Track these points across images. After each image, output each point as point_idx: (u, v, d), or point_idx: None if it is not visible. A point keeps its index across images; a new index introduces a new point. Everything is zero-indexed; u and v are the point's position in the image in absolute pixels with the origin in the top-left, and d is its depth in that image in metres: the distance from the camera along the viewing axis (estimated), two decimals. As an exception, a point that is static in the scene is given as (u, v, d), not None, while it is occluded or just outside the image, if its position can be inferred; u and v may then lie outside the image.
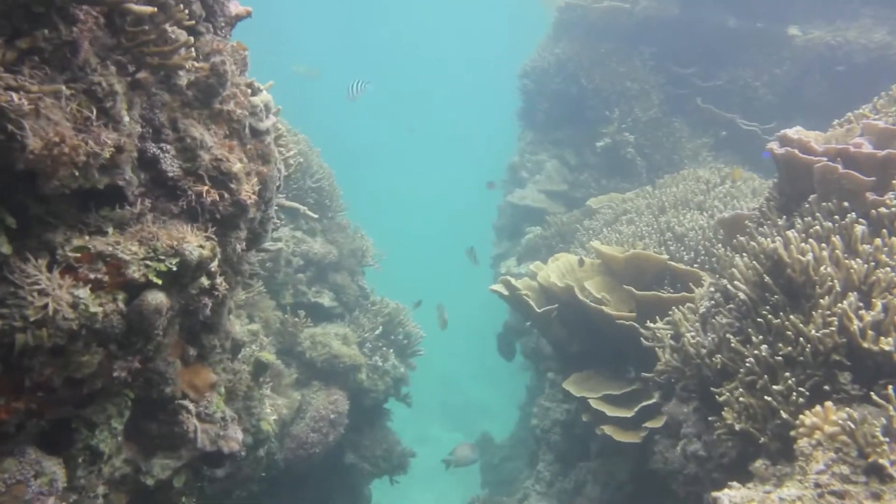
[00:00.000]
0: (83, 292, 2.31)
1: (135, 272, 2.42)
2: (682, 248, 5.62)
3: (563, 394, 6.73)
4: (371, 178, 31.81)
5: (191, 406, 3.37)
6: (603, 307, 5.29)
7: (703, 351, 3.88)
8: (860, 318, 3.16)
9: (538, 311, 5.78)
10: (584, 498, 6.21)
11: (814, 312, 3.32)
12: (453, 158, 38.08)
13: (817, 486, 2.84)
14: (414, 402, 7.98)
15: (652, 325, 4.69)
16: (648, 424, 4.88)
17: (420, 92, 41.20)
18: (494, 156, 14.14)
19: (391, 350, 7.47)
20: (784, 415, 3.22)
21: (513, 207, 10.24)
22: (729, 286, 3.86)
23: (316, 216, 4.87)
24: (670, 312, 4.51)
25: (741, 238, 4.04)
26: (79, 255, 2.34)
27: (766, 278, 3.60)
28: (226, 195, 2.79)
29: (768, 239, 3.74)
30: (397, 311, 7.71)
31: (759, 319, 3.57)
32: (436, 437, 20.26)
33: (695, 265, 5.38)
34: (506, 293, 6.15)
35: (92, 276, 2.35)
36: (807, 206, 3.88)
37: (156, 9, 2.34)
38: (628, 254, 5.50)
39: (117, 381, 2.60)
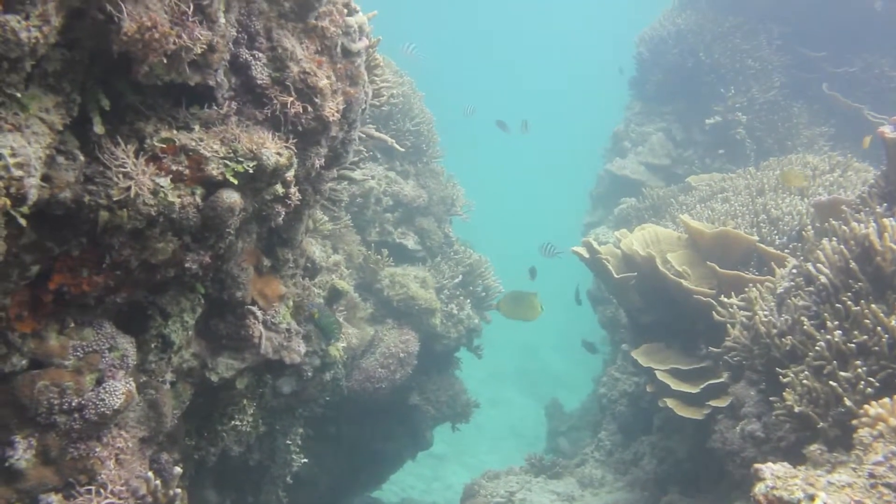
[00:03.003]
0: (164, 181, 2.45)
1: (213, 169, 2.54)
2: (776, 231, 5.40)
3: (633, 366, 6.66)
4: (473, 131, 31.85)
5: (258, 313, 3.53)
6: (682, 280, 5.17)
7: (774, 331, 3.76)
8: (946, 314, 2.99)
9: (616, 276, 5.70)
10: (640, 469, 6.16)
11: (897, 303, 3.16)
12: (560, 123, 37.61)
13: (872, 475, 2.73)
14: (492, 366, 8.05)
15: (727, 300, 4.56)
16: (713, 403, 4.78)
17: (532, 52, 40.91)
18: (602, 123, 13.84)
19: (468, 300, 7.54)
20: (848, 402, 3.10)
21: (611, 176, 10.06)
22: (812, 269, 3.71)
23: (402, 149, 4.93)
24: (746, 290, 4.37)
25: (833, 222, 3.86)
26: (164, 146, 2.48)
27: (852, 264, 3.43)
28: (309, 109, 2.87)
29: (861, 225, 3.56)
30: (479, 262, 7.76)
31: (837, 305, 3.42)
32: (508, 400, 20.40)
33: (786, 251, 5.17)
34: (587, 256, 6.09)
35: (174, 167, 2.48)
36: (911, 195, 3.67)
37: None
38: (716, 230, 5.34)
39: (189, 273, 2.75)
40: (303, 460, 5.44)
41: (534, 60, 42.04)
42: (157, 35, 2.05)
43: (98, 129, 2.32)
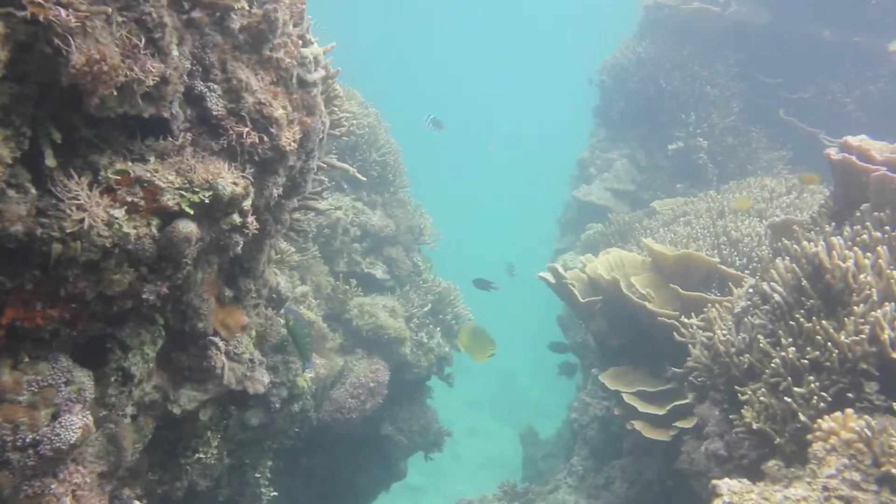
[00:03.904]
0: (119, 213, 2.45)
1: (169, 200, 2.55)
2: (736, 253, 5.51)
3: (602, 390, 6.70)
4: (441, 162, 31.95)
5: (221, 344, 3.52)
6: (646, 303, 5.24)
7: (733, 350, 3.82)
8: (893, 329, 3.07)
9: (582, 301, 5.76)
10: (612, 494, 6.17)
11: (847, 319, 3.24)
12: (527, 150, 38.00)
13: (825, 489, 2.78)
14: (469, 394, 8.02)
15: (687, 320, 4.63)
16: (679, 424, 4.82)
17: (497, 83, 41.48)
18: (566, 150, 14.02)
19: (438, 329, 7.55)
20: (803, 417, 3.15)
21: (578, 203, 10.19)
22: (767, 288, 3.79)
23: (365, 178, 4.97)
24: (704, 310, 4.44)
25: (785, 241, 3.95)
26: (119, 177, 2.48)
27: (804, 282, 3.52)
28: (265, 139, 2.90)
29: (812, 244, 3.65)
30: (448, 290, 7.79)
31: (791, 322, 3.50)
32: (486, 428, 20.34)
33: (746, 271, 5.27)
34: (552, 281, 6.15)
35: (129, 198, 2.49)
36: (858, 214, 3.77)
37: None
38: (678, 253, 5.43)
39: (146, 304, 2.74)
40: (273, 494, 5.39)
41: (503, 88, 42.55)
42: (106, 67, 2.08)
43: (50, 161, 2.33)
